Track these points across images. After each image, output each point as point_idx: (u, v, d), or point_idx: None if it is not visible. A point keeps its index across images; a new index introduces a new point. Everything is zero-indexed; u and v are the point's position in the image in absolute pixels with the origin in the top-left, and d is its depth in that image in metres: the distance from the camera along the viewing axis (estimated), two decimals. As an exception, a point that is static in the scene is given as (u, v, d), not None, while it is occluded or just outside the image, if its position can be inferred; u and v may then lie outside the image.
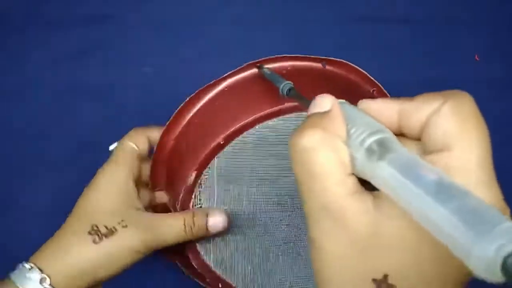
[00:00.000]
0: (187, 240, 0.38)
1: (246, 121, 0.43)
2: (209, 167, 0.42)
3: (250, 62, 0.41)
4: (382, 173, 0.19)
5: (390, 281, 0.19)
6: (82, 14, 0.55)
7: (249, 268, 0.40)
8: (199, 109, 0.42)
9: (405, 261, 0.19)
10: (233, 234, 0.41)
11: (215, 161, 0.42)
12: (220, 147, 0.43)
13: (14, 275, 0.33)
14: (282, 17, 0.56)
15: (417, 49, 0.54)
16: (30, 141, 0.50)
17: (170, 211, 0.41)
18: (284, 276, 0.39)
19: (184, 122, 0.42)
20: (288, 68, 0.41)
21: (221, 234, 0.40)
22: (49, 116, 0.51)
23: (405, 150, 0.19)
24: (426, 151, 0.20)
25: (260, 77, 0.40)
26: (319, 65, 0.41)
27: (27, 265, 0.33)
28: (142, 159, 0.40)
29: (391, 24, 0.55)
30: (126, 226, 0.35)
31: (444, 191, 0.17)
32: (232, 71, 0.41)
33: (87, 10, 0.55)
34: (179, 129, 0.41)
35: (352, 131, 0.21)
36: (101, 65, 0.53)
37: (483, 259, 0.15)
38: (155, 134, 0.41)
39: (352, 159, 0.20)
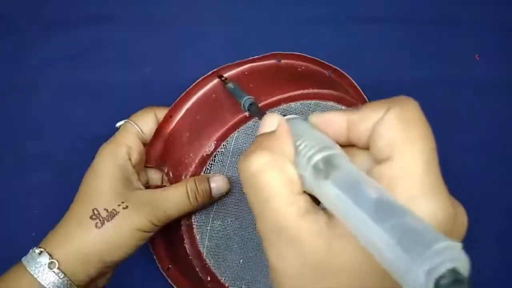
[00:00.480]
0: (190, 210, 0.37)
1: (271, 100, 0.42)
2: (227, 141, 0.41)
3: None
4: (327, 192, 0.19)
5: None
6: (82, 14, 0.55)
7: (241, 261, 0.39)
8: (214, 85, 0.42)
9: (359, 283, 0.19)
10: (232, 218, 0.41)
11: (235, 135, 0.41)
12: (242, 122, 0.41)
13: (25, 259, 0.34)
14: (282, 17, 0.56)
15: (417, 49, 0.54)
16: (30, 141, 0.50)
17: None
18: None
19: (196, 96, 0.42)
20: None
21: (221, 216, 0.40)
22: (49, 116, 0.51)
23: (350, 167, 0.19)
24: (375, 162, 0.20)
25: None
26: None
27: (37, 250, 0.33)
28: (146, 141, 0.40)
29: (391, 24, 0.55)
30: (127, 207, 0.34)
31: (383, 210, 0.16)
32: (255, 57, 0.42)
33: (87, 10, 0.55)
34: (187, 105, 0.41)
35: (300, 148, 0.21)
36: (101, 65, 0.53)
37: (416, 283, 0.14)
38: (161, 111, 0.41)
39: (301, 177, 0.20)
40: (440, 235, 0.15)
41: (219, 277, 0.39)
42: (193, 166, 0.41)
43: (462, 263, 0.15)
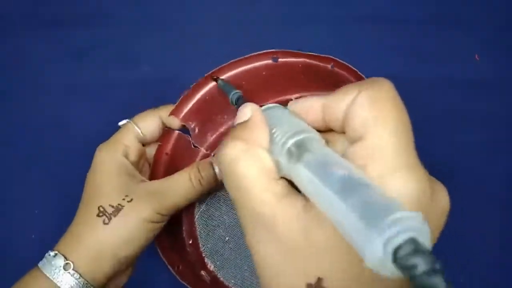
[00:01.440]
0: (197, 197, 0.37)
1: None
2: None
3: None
4: (300, 174, 0.19)
5: (324, 284, 0.18)
6: (82, 14, 0.55)
7: (245, 267, 0.39)
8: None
9: (338, 264, 0.18)
10: (235, 219, 0.41)
11: None
12: None
13: (42, 263, 0.34)
14: (282, 17, 0.56)
15: (417, 49, 0.54)
16: (30, 141, 0.50)
17: None
18: None
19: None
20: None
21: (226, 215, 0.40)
22: (49, 116, 0.51)
23: (321, 149, 0.19)
24: (350, 142, 0.20)
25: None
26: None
27: (51, 253, 0.33)
28: (147, 142, 0.40)
29: (391, 24, 0.55)
30: (131, 200, 0.34)
31: (349, 187, 0.16)
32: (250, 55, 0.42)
33: (86, 10, 0.55)
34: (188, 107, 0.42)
35: (276, 134, 0.21)
36: (101, 65, 0.53)
37: (375, 255, 0.14)
38: (165, 112, 0.40)
39: (278, 163, 0.20)
40: (400, 206, 0.14)
41: (218, 276, 0.39)
42: (223, 128, 0.42)
43: (423, 233, 0.14)
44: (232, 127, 0.23)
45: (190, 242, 0.41)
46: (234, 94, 0.35)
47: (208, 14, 0.56)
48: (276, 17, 0.56)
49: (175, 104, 0.41)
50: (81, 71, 0.53)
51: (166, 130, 0.41)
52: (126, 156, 0.38)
